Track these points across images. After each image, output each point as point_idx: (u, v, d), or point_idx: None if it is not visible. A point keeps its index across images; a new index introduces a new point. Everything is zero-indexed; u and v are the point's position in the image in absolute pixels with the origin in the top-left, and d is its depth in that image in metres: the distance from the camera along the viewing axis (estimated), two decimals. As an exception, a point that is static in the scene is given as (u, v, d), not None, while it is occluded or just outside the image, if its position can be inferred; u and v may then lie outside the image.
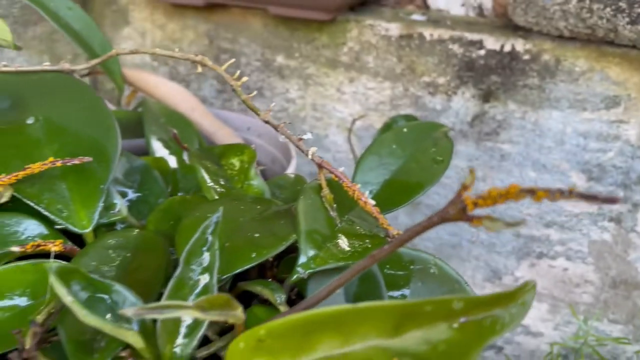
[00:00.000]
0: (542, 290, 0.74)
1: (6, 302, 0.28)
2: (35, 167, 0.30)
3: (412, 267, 0.32)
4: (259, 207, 0.32)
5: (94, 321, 0.22)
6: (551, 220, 0.70)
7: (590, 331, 0.66)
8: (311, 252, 0.28)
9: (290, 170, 0.47)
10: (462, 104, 0.68)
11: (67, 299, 0.22)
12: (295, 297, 0.31)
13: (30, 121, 0.35)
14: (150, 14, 0.82)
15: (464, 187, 0.18)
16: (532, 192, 0.17)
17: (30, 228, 0.31)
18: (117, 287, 0.25)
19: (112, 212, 0.33)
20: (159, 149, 0.46)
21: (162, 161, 0.41)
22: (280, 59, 0.76)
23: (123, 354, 0.24)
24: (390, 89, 0.71)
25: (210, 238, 0.24)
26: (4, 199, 0.30)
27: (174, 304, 0.19)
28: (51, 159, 0.31)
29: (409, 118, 0.64)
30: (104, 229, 0.34)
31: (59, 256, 0.30)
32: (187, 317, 0.24)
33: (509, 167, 0.69)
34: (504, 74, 0.66)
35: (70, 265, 0.24)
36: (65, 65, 0.39)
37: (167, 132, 0.48)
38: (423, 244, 0.76)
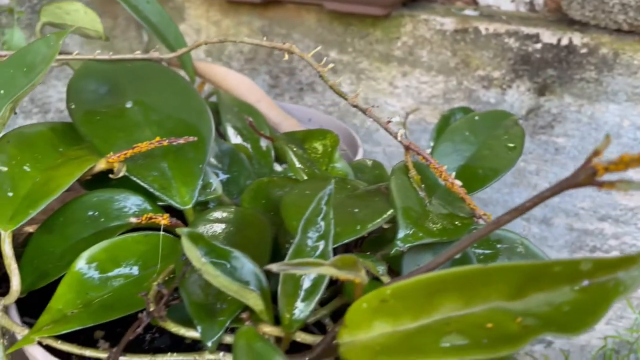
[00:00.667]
0: (594, 285, 0.74)
1: (122, 270, 0.30)
2: (143, 146, 0.32)
3: (498, 245, 0.33)
4: (348, 186, 0.34)
5: (225, 282, 0.24)
6: (605, 214, 0.70)
7: (646, 325, 0.65)
8: (409, 227, 0.29)
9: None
10: (517, 97, 0.69)
11: (201, 260, 0.23)
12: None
13: (129, 105, 0.37)
14: (205, 11, 0.84)
15: (596, 153, 0.19)
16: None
17: (136, 204, 0.33)
18: (236, 253, 0.26)
19: (208, 190, 0.35)
20: (233, 136, 0.48)
21: (242, 147, 0.43)
22: (333, 54, 0.77)
23: (243, 315, 0.26)
24: (444, 82, 0.72)
25: (324, 208, 0.26)
26: (121, 174, 0.32)
27: (313, 261, 0.21)
28: (158, 138, 0.32)
29: (466, 110, 0.64)
30: (198, 207, 0.36)
31: (164, 231, 0.32)
32: (307, 281, 0.25)
33: (563, 161, 0.70)
34: (561, 68, 0.66)
35: (195, 231, 0.26)
36: (154, 54, 0.41)
37: (241, 120, 0.49)
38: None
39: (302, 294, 0.25)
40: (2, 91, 0.31)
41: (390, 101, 0.76)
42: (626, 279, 0.20)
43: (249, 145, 0.48)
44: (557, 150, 0.69)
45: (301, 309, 0.25)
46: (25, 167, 0.32)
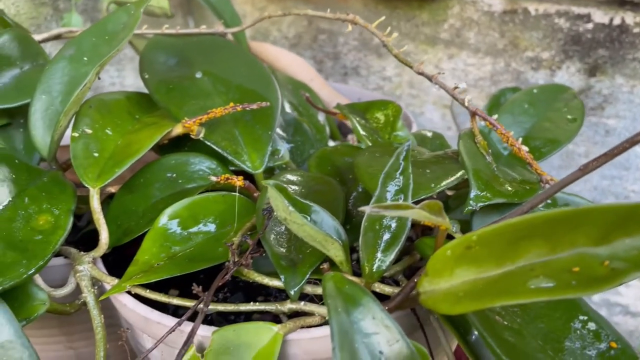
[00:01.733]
0: (644, 269, 0.73)
1: (202, 227, 0.31)
2: (218, 112, 0.33)
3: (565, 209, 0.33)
4: (415, 152, 0.34)
5: (311, 231, 0.25)
6: (657, 197, 0.69)
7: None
8: (481, 188, 0.30)
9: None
10: (567, 78, 0.68)
11: (289, 209, 0.24)
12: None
13: (198, 75, 0.38)
14: (251, 1, 0.86)
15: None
16: None
17: (211, 167, 0.34)
18: (316, 207, 0.27)
19: (276, 157, 0.36)
20: (290, 112, 0.49)
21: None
22: (377, 38, 0.78)
23: (323, 266, 0.27)
24: (491, 64, 0.72)
25: (403, 163, 0.27)
26: (201, 135, 0.33)
27: (405, 204, 0.21)
28: (232, 104, 0.34)
29: (515, 90, 0.64)
30: (265, 174, 0.37)
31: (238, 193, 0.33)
32: (386, 234, 0.26)
33: (613, 143, 0.69)
34: (613, 48, 0.65)
35: (280, 184, 0.27)
36: (220, 28, 0.43)
37: (296, 96, 0.50)
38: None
39: (382, 245, 0.26)
40: (85, 58, 0.33)
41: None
42: None
43: (305, 121, 0.48)
44: (607, 132, 0.69)
45: (382, 259, 0.26)
46: (108, 131, 0.33)
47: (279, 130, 0.39)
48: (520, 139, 0.35)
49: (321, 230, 0.25)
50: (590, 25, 0.65)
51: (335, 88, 0.61)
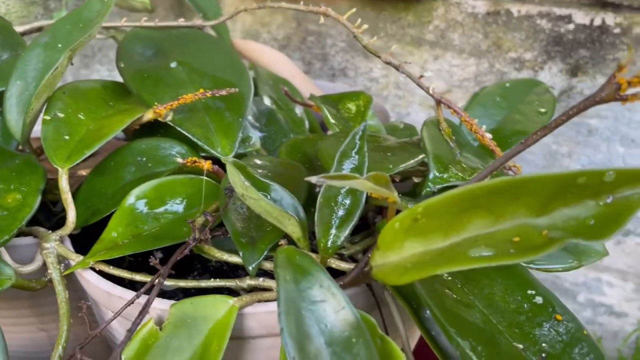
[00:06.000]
0: (627, 269, 0.73)
1: (169, 207, 0.32)
2: (188, 98, 0.34)
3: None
4: (380, 139, 0.35)
5: (266, 206, 0.25)
6: None
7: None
8: (440, 170, 0.30)
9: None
10: (549, 78, 0.69)
11: (245, 183, 0.25)
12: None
13: (173, 65, 0.39)
14: (241, 0, 0.87)
15: (620, 68, 0.20)
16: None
17: (181, 152, 0.35)
18: (276, 186, 0.28)
19: (247, 144, 0.37)
20: (270, 106, 0.50)
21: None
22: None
23: (281, 242, 0.28)
24: (475, 65, 0.73)
25: (358, 142, 0.27)
26: (169, 118, 0.34)
27: (350, 175, 0.22)
28: (201, 90, 0.34)
29: (497, 89, 0.65)
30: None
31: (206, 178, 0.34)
32: (341, 210, 0.27)
33: (595, 142, 0.69)
34: (594, 48, 0.66)
35: (239, 161, 0.27)
36: (197, 21, 0.44)
37: (276, 91, 0.51)
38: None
39: (337, 221, 0.27)
40: (59, 45, 0.34)
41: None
42: (650, 193, 0.21)
43: (282, 113, 0.49)
44: (589, 132, 0.69)
45: (336, 235, 0.26)
46: (80, 116, 0.34)
47: (251, 119, 0.40)
48: (484, 127, 0.35)
49: (277, 206, 0.26)
50: (571, 26, 0.66)
51: (320, 86, 0.62)
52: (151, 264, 0.27)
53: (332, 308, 0.22)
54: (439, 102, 0.35)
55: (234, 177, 0.25)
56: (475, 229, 0.23)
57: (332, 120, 0.37)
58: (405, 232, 0.24)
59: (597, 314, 0.77)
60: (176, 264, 0.30)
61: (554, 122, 0.22)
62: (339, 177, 0.22)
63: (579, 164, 0.72)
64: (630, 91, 0.20)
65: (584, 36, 0.66)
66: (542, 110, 0.44)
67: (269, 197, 0.28)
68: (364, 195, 0.27)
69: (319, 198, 0.27)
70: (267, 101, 0.50)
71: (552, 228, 0.22)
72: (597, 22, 0.65)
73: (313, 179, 0.22)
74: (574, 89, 0.69)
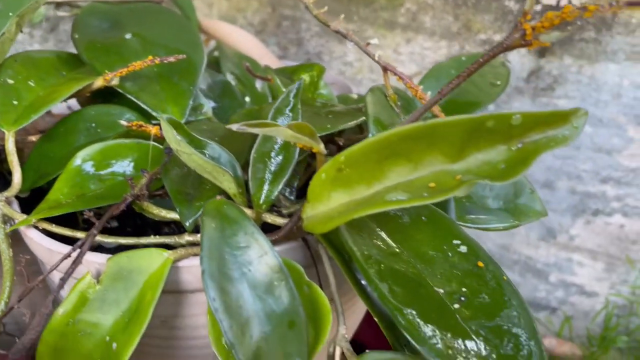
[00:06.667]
0: (597, 248, 0.74)
1: (116, 169, 0.32)
2: (137, 65, 0.35)
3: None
4: (328, 105, 0.36)
5: (199, 160, 0.26)
6: (607, 176, 0.70)
7: (646, 283, 0.66)
8: (378, 131, 0.31)
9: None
10: (518, 60, 0.70)
11: (177, 138, 0.26)
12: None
13: (127, 36, 0.40)
14: (217, -15, 0.87)
15: (525, 14, 0.20)
16: (584, 9, 0.19)
17: (131, 119, 0.36)
18: (213, 144, 0.28)
19: (199, 111, 0.37)
20: (232, 82, 0.50)
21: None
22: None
23: (218, 197, 0.28)
24: (447, 47, 0.74)
25: (293, 100, 0.28)
26: (114, 82, 0.34)
27: (272, 123, 0.23)
28: (150, 57, 0.35)
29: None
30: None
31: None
32: (274, 165, 0.27)
33: (564, 123, 0.70)
34: (560, 29, 0.67)
35: (176, 120, 0.28)
36: (155, -4, 0.44)
37: (239, 68, 0.52)
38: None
39: (270, 177, 0.27)
40: (10, 13, 0.34)
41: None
42: (557, 136, 0.22)
43: (241, 88, 0.50)
44: (558, 113, 0.70)
45: (270, 189, 0.27)
46: (30, 83, 0.34)
47: (205, 89, 0.41)
48: (429, 93, 0.36)
49: (209, 160, 0.26)
50: (539, 7, 0.67)
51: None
52: (85, 216, 0.27)
53: (256, 253, 0.23)
54: (385, 69, 0.36)
55: (167, 133, 0.26)
56: (396, 177, 0.24)
57: (284, 89, 0.38)
58: (331, 183, 0.25)
59: (568, 294, 0.78)
60: (131, 230, 0.30)
61: (467, 70, 0.23)
62: (259, 125, 0.23)
63: (548, 145, 0.72)
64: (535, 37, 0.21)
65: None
66: (497, 82, 0.44)
67: (206, 154, 0.28)
68: (297, 151, 0.27)
69: (252, 154, 0.27)
70: (229, 77, 0.50)
71: (467, 173, 0.23)
72: (564, 2, 0.66)
73: (234, 127, 0.22)
74: (542, 69, 0.69)
